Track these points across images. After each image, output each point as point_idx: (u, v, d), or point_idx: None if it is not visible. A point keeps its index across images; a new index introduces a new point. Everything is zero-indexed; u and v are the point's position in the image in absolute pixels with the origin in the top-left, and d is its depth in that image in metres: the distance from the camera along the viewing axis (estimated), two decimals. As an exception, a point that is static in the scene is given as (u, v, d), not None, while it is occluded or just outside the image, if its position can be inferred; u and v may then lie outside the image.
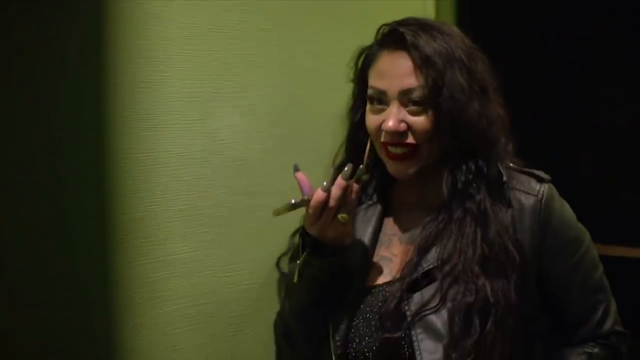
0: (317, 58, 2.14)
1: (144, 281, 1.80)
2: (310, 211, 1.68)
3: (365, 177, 1.74)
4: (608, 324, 1.86)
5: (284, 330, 1.90)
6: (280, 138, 2.06)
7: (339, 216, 1.70)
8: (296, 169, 1.74)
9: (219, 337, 1.95)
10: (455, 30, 1.82)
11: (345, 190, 1.70)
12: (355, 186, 1.72)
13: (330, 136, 2.11)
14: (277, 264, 2.05)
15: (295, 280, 1.78)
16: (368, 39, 1.89)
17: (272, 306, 2.05)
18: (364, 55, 1.87)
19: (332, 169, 1.94)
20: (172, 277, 1.85)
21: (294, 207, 1.66)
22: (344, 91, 1.99)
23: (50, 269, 1.69)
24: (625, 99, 2.98)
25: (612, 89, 3.00)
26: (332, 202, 1.69)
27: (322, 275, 1.77)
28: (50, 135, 1.67)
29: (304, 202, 1.67)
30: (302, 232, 1.77)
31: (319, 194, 1.68)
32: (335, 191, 1.69)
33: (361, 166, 1.71)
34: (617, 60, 2.99)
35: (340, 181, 1.69)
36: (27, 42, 1.63)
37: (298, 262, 1.76)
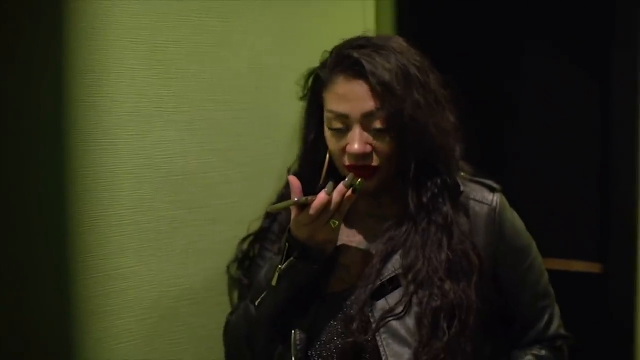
0: (259, 73, 2.27)
1: (87, 296, 1.90)
2: (312, 212, 1.78)
3: (360, 188, 1.83)
4: (554, 327, 2.08)
5: (246, 333, 2.01)
6: (221, 152, 2.18)
7: (331, 221, 1.82)
8: (289, 172, 1.89)
9: (161, 351, 2.07)
10: (404, 45, 1.96)
11: (343, 197, 1.81)
12: (349, 194, 1.82)
13: (272, 150, 2.27)
14: (228, 270, 2.20)
15: (274, 284, 1.88)
16: (310, 52, 2.04)
17: (210, 322, 2.18)
18: (314, 76, 2.00)
19: (286, 181, 2.06)
20: (115, 292, 1.95)
21: (296, 204, 1.78)
22: (289, 106, 2.15)
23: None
24: (558, 115, 3.18)
25: (549, 102, 3.20)
26: (332, 206, 1.80)
27: (303, 279, 1.89)
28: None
29: (308, 202, 1.78)
30: (288, 236, 1.87)
31: (323, 197, 1.78)
32: (336, 196, 1.79)
33: (360, 179, 1.82)
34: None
35: (341, 187, 1.80)
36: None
37: (279, 265, 1.87)
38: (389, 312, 1.87)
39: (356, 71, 1.89)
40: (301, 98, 2.06)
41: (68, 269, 1.88)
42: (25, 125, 1.80)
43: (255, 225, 2.20)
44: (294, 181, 1.81)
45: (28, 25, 1.78)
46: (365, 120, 1.88)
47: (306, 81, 2.04)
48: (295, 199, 1.78)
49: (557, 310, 2.10)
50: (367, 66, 1.87)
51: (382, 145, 1.89)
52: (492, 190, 2.02)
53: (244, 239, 2.21)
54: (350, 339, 1.87)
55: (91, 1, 1.88)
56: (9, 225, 1.79)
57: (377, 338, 1.86)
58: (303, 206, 1.80)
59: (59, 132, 1.85)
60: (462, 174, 2.02)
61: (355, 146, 1.87)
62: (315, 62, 2.03)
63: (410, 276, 1.89)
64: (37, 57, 1.80)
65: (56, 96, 1.84)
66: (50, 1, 1.82)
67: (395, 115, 1.86)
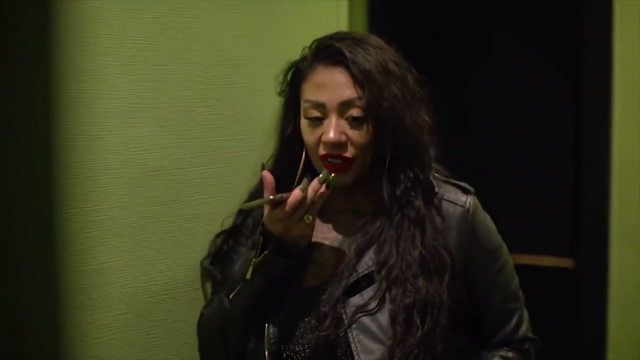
0: (234, 70, 2.29)
1: (64, 291, 1.92)
2: (287, 208, 1.80)
3: (333, 183, 1.86)
4: (522, 330, 2.11)
5: (220, 326, 2.03)
6: (196, 148, 2.21)
7: (305, 217, 1.84)
8: (262, 168, 1.89)
9: (137, 347, 2.09)
10: (383, 42, 1.99)
11: (317, 193, 1.84)
12: (323, 190, 1.84)
13: (247, 146, 2.30)
14: (202, 264, 2.22)
15: (248, 277, 1.91)
16: (286, 49, 2.07)
17: (187, 317, 2.20)
18: (294, 69, 2.02)
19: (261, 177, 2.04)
20: (92, 287, 1.98)
21: (271, 202, 1.80)
22: (265, 103, 2.17)
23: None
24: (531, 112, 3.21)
25: (521, 99, 3.24)
26: (307, 203, 1.82)
27: (277, 274, 1.91)
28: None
29: (283, 199, 1.81)
30: (262, 230, 1.89)
31: (298, 194, 1.80)
32: (311, 193, 1.82)
33: (333, 174, 1.85)
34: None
35: (316, 184, 1.82)
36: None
37: (254, 259, 1.89)
38: (361, 309, 1.90)
39: (337, 60, 1.92)
40: (279, 93, 2.08)
41: (46, 265, 1.90)
42: (5, 122, 1.82)
43: (229, 222, 2.22)
44: (268, 177, 1.83)
45: (10, 23, 1.81)
46: (342, 109, 1.91)
47: (285, 75, 2.06)
48: (270, 197, 1.81)
49: (526, 313, 2.13)
50: (349, 55, 1.90)
51: (358, 136, 1.91)
52: (465, 192, 2.05)
53: (217, 235, 2.23)
54: (322, 334, 1.89)
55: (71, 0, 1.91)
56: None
57: (349, 334, 1.89)
58: (278, 203, 1.82)
59: (38, 129, 1.88)
60: (436, 175, 2.05)
61: (331, 135, 1.90)
62: (290, 59, 2.06)
63: (383, 272, 1.92)
64: (17, 56, 1.83)
65: (35, 94, 1.87)
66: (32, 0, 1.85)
67: (374, 104, 1.89)
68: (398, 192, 1.95)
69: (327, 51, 1.95)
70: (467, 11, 3.30)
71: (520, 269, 2.15)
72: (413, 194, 1.96)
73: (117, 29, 2.01)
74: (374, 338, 1.89)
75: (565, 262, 3.12)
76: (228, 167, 2.28)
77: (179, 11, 2.15)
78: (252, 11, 2.35)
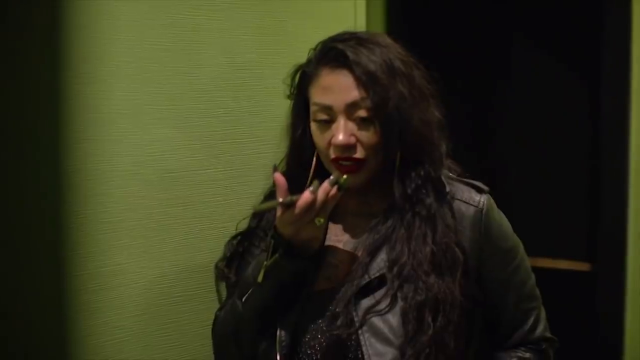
0: (251, 72, 2.28)
1: (77, 293, 1.92)
2: (297, 211, 1.78)
3: (345, 185, 1.84)
4: (539, 330, 2.07)
5: (233, 329, 2.00)
6: (211, 150, 2.20)
7: (316, 219, 1.82)
8: (275, 170, 1.88)
9: (152, 348, 2.09)
10: (389, 40, 1.97)
11: (328, 195, 1.82)
12: (334, 193, 1.83)
13: (261, 148, 2.29)
14: (217, 267, 2.17)
15: (259, 280, 1.89)
16: (301, 50, 2.03)
17: (200, 319, 2.20)
18: (300, 72, 2.00)
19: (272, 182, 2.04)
20: (105, 289, 1.98)
21: (281, 205, 1.79)
22: (278, 105, 2.14)
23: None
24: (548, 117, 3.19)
25: (540, 102, 3.22)
26: (317, 205, 1.80)
27: (288, 276, 1.89)
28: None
29: (294, 201, 1.79)
30: (273, 233, 1.88)
31: (307, 196, 1.78)
32: (321, 195, 1.80)
33: (345, 176, 1.83)
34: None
35: (326, 186, 1.81)
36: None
37: (265, 262, 1.88)
38: (372, 309, 1.88)
39: (341, 62, 1.90)
40: (288, 96, 2.06)
41: (58, 266, 1.90)
42: (18, 123, 1.82)
43: (244, 224, 2.19)
44: (280, 180, 1.82)
45: (24, 24, 1.81)
46: (350, 110, 1.89)
47: (292, 78, 2.04)
48: (280, 200, 1.79)
49: (543, 313, 2.10)
50: (352, 56, 1.88)
51: (367, 137, 1.90)
52: (480, 191, 2.02)
53: (232, 237, 2.19)
54: (334, 333, 1.88)
55: (85, 0, 1.90)
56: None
57: (360, 337, 1.87)
58: (289, 205, 1.81)
59: (51, 130, 1.87)
60: (450, 174, 2.03)
61: (340, 137, 1.88)
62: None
63: (395, 270, 1.89)
64: (32, 56, 1.83)
65: (49, 95, 1.86)
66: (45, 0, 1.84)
67: (380, 105, 1.87)
68: (409, 191, 1.93)
69: (330, 54, 1.93)
70: (487, 14, 3.28)
71: (536, 272, 2.12)
72: (424, 191, 1.94)
73: (132, 31, 2.01)
74: (385, 340, 1.87)
75: (582, 266, 3.10)
76: (243, 169, 2.28)
77: (195, 13, 2.15)
78: (270, 14, 2.34)
